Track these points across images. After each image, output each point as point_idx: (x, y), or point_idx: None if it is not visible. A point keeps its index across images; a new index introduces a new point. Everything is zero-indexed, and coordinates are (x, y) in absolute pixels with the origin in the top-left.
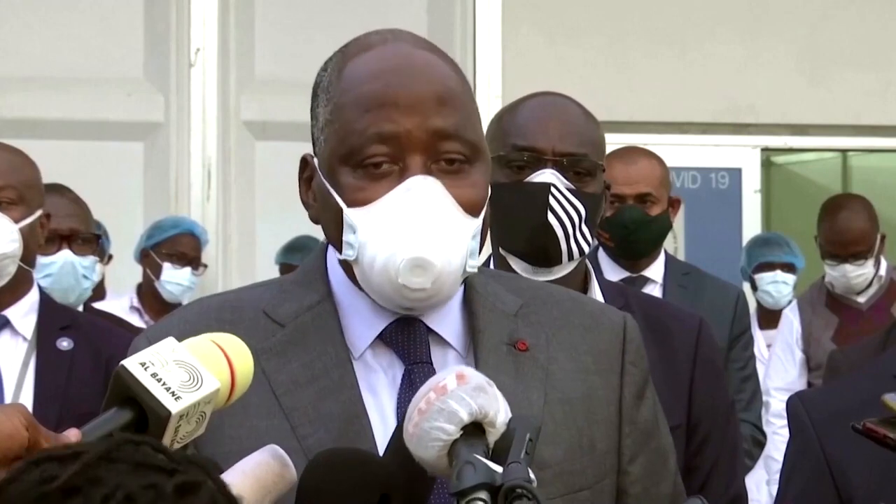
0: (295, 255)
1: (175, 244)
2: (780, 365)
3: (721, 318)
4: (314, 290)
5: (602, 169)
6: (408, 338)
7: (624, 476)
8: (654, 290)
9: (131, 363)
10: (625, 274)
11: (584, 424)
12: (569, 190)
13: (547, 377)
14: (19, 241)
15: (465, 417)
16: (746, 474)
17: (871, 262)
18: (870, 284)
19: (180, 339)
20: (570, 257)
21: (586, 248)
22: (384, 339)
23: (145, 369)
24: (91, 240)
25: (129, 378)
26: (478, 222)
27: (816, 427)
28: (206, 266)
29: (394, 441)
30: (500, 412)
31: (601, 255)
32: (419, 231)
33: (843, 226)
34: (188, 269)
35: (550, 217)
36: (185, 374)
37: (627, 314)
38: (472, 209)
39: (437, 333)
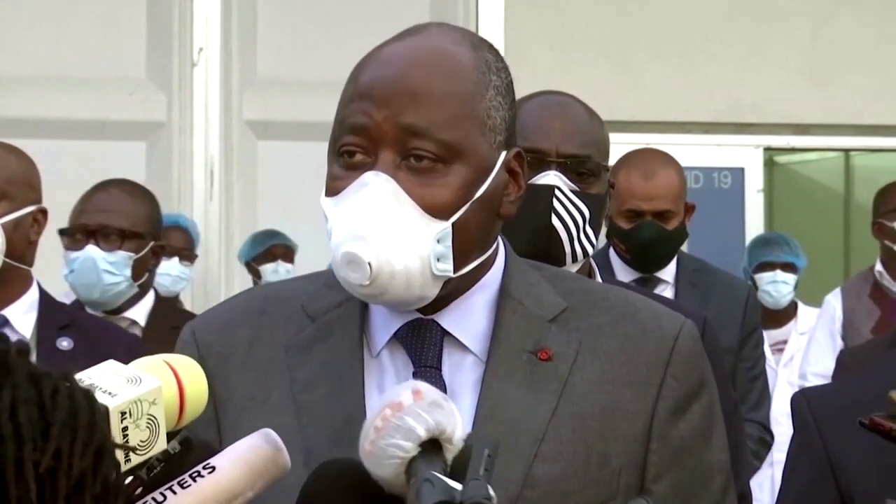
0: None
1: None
2: (819, 351)
3: (732, 315)
4: None
5: (606, 169)
6: (419, 340)
7: (647, 495)
8: (666, 291)
9: None
10: (636, 275)
11: (597, 440)
12: (573, 191)
13: (564, 389)
14: (1, 236)
15: (422, 434)
16: (753, 475)
17: None
18: None
19: (225, 325)
20: (575, 259)
21: (590, 250)
22: (399, 339)
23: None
24: (125, 236)
25: None
26: (444, 225)
27: (819, 425)
28: (196, 256)
29: None
30: (457, 428)
31: (612, 255)
32: (354, 228)
33: None
34: (175, 260)
35: (554, 219)
36: (124, 379)
37: (687, 322)
38: (436, 211)
39: (455, 337)
